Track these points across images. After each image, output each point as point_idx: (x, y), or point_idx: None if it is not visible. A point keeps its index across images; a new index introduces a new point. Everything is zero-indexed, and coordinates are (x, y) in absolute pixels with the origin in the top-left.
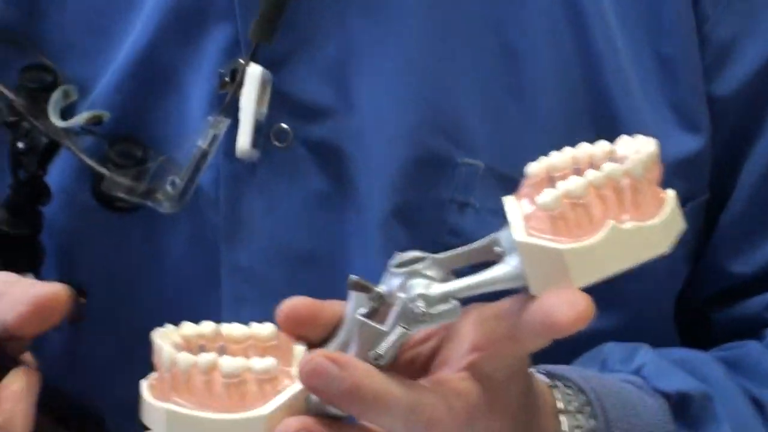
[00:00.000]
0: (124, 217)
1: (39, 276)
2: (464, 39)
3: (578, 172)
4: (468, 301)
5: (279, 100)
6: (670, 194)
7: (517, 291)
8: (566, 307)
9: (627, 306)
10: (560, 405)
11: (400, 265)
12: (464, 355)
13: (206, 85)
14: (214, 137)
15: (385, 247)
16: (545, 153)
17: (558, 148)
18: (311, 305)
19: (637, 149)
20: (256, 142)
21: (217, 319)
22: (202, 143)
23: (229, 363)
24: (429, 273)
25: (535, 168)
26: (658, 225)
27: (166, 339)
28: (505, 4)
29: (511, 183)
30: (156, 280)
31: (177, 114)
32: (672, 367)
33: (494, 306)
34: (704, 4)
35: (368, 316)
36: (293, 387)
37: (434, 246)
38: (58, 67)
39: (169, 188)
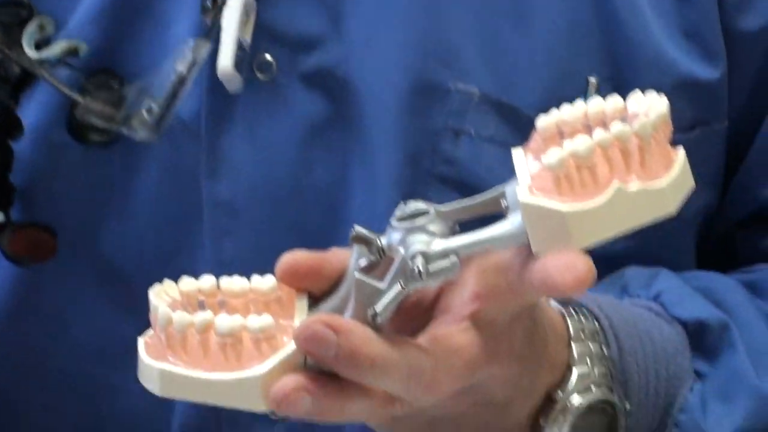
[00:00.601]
0: (97, 153)
1: (8, 216)
2: None
3: (588, 129)
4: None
5: (262, 32)
6: (680, 154)
7: None
8: (566, 270)
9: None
10: (572, 333)
11: (402, 218)
12: (466, 303)
13: (188, 15)
14: (194, 61)
15: (378, 177)
16: (544, 78)
17: (559, 72)
18: (312, 259)
19: (648, 108)
20: (240, 68)
21: (199, 254)
22: (181, 67)
23: (224, 322)
24: (431, 228)
25: (545, 122)
26: (664, 187)
27: (162, 295)
28: None
29: (507, 110)
30: (130, 217)
31: (157, 45)
32: (691, 294)
33: (495, 258)
34: None
35: (368, 269)
36: (290, 346)
37: (429, 176)
38: (32, 2)
39: (145, 114)
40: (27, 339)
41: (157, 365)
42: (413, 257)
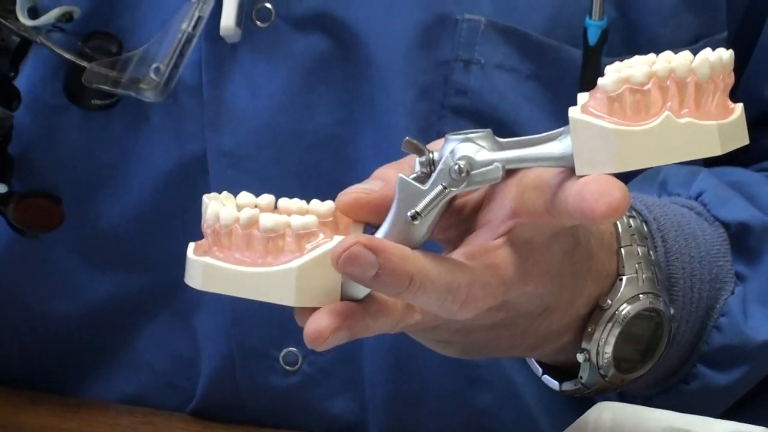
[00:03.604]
0: (95, 116)
1: (10, 186)
2: None
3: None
4: None
5: None
6: (739, 106)
7: None
8: (600, 196)
9: None
10: (621, 238)
11: (457, 132)
12: (504, 219)
13: None
14: (199, 19)
15: (390, 114)
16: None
17: None
18: (374, 198)
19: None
20: (239, 20)
21: None
22: (186, 26)
23: (268, 218)
24: (481, 142)
25: (611, 68)
26: (714, 126)
27: (217, 202)
28: None
29: (514, 35)
30: (131, 178)
31: (149, 3)
32: (732, 195)
33: (536, 177)
34: None
35: (416, 179)
36: (328, 244)
37: (442, 108)
38: None
39: (153, 76)
40: (29, 299)
41: (201, 259)
42: (457, 160)
